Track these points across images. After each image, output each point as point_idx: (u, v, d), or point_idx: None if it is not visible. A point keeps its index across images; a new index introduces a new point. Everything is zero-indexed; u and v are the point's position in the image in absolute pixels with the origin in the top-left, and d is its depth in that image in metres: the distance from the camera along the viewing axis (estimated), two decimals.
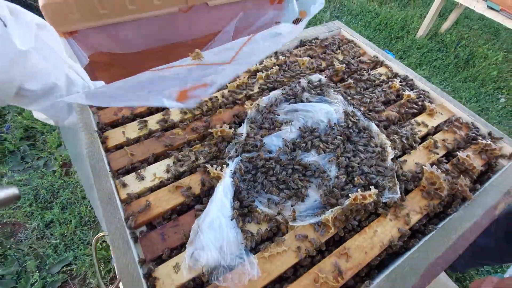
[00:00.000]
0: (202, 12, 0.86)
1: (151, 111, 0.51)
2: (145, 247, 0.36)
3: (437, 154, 0.48)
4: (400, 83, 0.58)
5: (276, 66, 0.59)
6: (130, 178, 0.41)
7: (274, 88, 0.55)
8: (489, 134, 0.52)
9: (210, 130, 0.46)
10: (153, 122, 0.49)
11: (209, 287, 0.33)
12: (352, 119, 0.48)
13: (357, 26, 2.72)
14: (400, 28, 2.76)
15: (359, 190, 0.39)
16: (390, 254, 0.38)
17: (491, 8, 2.13)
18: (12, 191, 0.35)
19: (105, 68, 0.86)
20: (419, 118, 0.53)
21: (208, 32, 0.92)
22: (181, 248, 0.36)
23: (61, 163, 1.56)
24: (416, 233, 0.40)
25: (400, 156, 0.47)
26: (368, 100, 0.54)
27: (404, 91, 0.56)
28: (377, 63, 0.64)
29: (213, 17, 0.88)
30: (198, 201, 0.41)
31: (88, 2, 0.70)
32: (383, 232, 0.39)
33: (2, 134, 1.66)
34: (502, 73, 2.44)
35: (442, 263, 0.35)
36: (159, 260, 0.35)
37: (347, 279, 0.35)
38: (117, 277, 0.32)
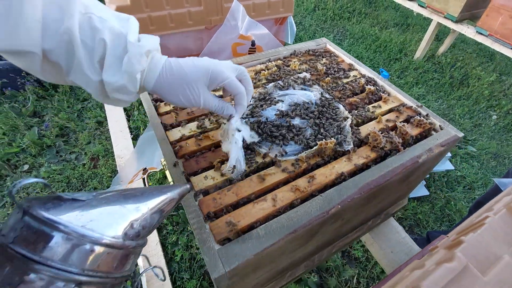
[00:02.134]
0: None
1: None
2: (186, 167, 0.57)
3: (384, 125, 0.69)
4: (365, 81, 0.80)
5: (275, 67, 0.82)
6: (175, 130, 0.64)
7: (273, 81, 0.78)
8: (427, 115, 0.72)
9: None
10: None
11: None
12: (326, 101, 0.70)
13: (358, 48, 2.97)
14: (399, 51, 3.00)
15: (324, 140, 0.60)
16: (341, 180, 0.58)
17: (480, 33, 2.35)
18: (185, 187, 0.42)
19: None
20: (376, 104, 0.75)
21: None
22: (206, 169, 0.58)
23: (90, 157, 1.81)
24: (361, 170, 0.61)
25: (357, 126, 0.69)
26: (340, 90, 0.76)
27: (367, 86, 0.78)
28: (351, 68, 0.87)
29: None
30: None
31: (142, 21, 0.97)
32: (339, 167, 0.59)
33: (41, 131, 1.92)
34: (494, 92, 2.62)
35: (374, 183, 0.56)
36: (194, 174, 0.57)
37: (312, 190, 0.55)
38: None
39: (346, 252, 1.43)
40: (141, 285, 0.28)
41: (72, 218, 0.24)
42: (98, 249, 0.25)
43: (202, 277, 1.27)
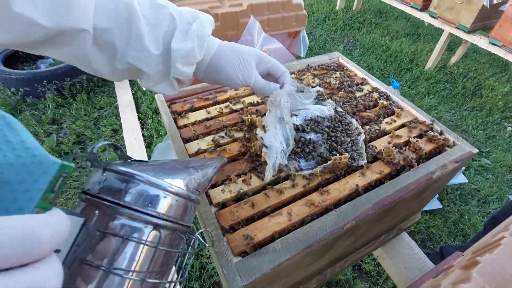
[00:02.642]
0: None
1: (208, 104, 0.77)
2: None
3: (398, 140, 0.69)
4: (378, 95, 0.82)
5: None
6: (193, 143, 0.66)
7: None
8: (440, 131, 0.73)
9: (243, 117, 0.71)
10: (206, 112, 0.75)
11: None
12: (339, 115, 0.72)
13: (368, 58, 2.98)
14: (410, 61, 2.99)
15: (337, 155, 0.61)
16: (356, 195, 0.59)
17: (493, 44, 2.33)
18: (223, 159, 0.44)
19: None
20: (389, 119, 0.76)
21: None
22: (222, 183, 0.60)
23: None
24: (375, 185, 0.61)
25: (370, 141, 0.70)
26: (353, 104, 0.77)
27: (380, 100, 0.79)
28: (363, 82, 0.88)
29: None
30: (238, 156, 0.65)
31: None
32: (353, 182, 0.60)
33: (60, 138, 1.98)
34: (509, 103, 2.58)
35: (388, 199, 0.56)
36: (212, 187, 0.59)
37: (326, 204, 0.56)
38: None
39: (357, 266, 1.42)
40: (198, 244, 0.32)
41: (143, 172, 0.29)
42: (168, 196, 0.29)
43: (212, 286, 1.28)
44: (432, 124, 0.75)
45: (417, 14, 2.77)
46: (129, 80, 2.25)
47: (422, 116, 0.77)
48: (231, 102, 0.78)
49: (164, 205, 0.28)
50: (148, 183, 0.28)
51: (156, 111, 2.09)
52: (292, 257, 0.47)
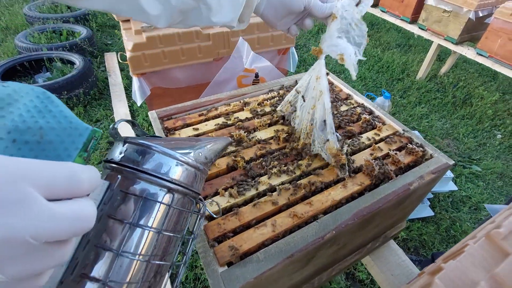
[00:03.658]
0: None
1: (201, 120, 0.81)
2: None
3: (378, 153, 0.73)
4: (361, 110, 0.86)
5: (277, 97, 0.89)
6: None
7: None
8: (420, 145, 0.77)
9: (232, 133, 0.75)
10: (195, 129, 0.78)
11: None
12: None
13: (361, 69, 3.05)
14: (401, 71, 3.07)
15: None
16: (337, 207, 0.63)
17: (480, 55, 2.40)
18: (228, 139, 0.47)
19: (160, 97, 1.21)
20: (371, 133, 0.80)
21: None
22: (212, 196, 0.63)
23: None
24: (356, 197, 0.65)
25: (352, 155, 0.74)
26: (338, 119, 0.82)
27: (363, 115, 0.84)
28: (348, 97, 0.93)
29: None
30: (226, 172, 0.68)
31: (156, 55, 1.06)
32: (335, 194, 0.64)
33: None
34: (498, 112, 2.64)
35: (367, 210, 0.60)
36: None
37: (309, 215, 0.59)
38: None
39: (350, 274, 1.44)
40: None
41: (158, 144, 0.33)
42: (179, 165, 0.33)
43: None
44: (404, 133, 0.79)
45: (407, 27, 2.86)
46: (125, 93, 2.30)
47: (402, 129, 0.81)
48: (225, 118, 0.82)
49: (176, 172, 0.33)
50: (163, 153, 0.33)
51: (152, 124, 2.13)
52: (274, 266, 0.50)
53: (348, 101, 0.92)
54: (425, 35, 2.72)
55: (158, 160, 0.32)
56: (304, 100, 0.70)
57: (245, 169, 0.68)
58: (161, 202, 0.31)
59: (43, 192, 0.18)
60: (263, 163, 0.69)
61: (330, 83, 0.99)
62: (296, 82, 0.98)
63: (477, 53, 2.40)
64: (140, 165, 0.31)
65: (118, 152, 0.32)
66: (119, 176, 0.31)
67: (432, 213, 1.72)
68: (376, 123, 0.82)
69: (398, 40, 3.64)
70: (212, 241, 0.54)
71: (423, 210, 1.71)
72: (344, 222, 0.58)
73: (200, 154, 0.38)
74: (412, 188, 0.66)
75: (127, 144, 0.33)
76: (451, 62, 2.98)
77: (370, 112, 0.87)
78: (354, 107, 0.89)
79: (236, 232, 0.57)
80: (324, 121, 0.67)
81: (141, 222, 0.30)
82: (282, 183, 0.65)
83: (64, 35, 2.83)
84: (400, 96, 2.73)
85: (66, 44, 2.58)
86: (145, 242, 0.30)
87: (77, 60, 2.34)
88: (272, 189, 0.65)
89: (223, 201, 0.61)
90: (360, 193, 0.66)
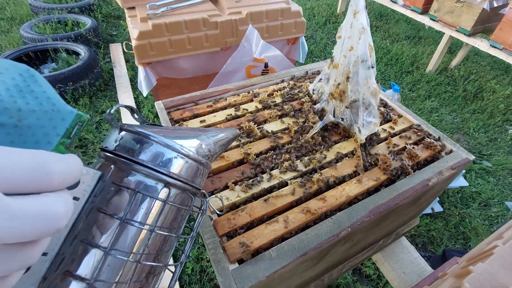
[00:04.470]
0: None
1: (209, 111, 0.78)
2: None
3: (395, 147, 0.70)
4: None
5: (287, 88, 0.86)
6: None
7: (288, 101, 0.81)
8: (438, 138, 0.73)
9: (241, 125, 0.72)
10: (203, 120, 0.76)
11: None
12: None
13: None
14: (410, 64, 2.99)
15: None
16: (352, 203, 0.60)
17: (494, 47, 2.33)
18: (236, 131, 0.45)
19: (166, 88, 1.18)
20: (386, 125, 0.76)
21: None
22: (222, 190, 0.61)
23: None
24: (371, 193, 0.62)
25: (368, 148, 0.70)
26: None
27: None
28: None
29: None
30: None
31: (162, 44, 1.02)
32: (349, 190, 0.61)
33: None
34: (510, 106, 2.57)
35: (384, 206, 0.57)
36: (210, 194, 0.60)
37: (322, 211, 0.57)
38: None
39: (357, 269, 1.42)
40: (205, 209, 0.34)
41: (157, 133, 0.30)
42: (179, 158, 0.31)
43: None
44: (429, 130, 0.75)
45: (417, 18, 2.77)
46: (131, 84, 2.28)
47: (419, 123, 0.77)
48: (234, 109, 0.79)
49: (175, 165, 0.30)
50: (161, 143, 0.30)
51: (158, 115, 2.11)
52: (287, 264, 0.48)
53: None
54: (437, 26, 2.63)
55: (156, 151, 0.29)
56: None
57: (256, 162, 0.65)
58: (157, 198, 0.28)
59: (2, 186, 0.15)
60: (274, 156, 0.66)
61: None
62: (307, 73, 0.94)
63: (490, 45, 2.32)
64: (136, 156, 0.29)
65: (113, 140, 0.30)
66: (113, 167, 0.28)
67: (441, 209, 1.69)
68: (392, 115, 0.78)
69: (407, 31, 3.54)
70: (222, 237, 0.52)
71: (432, 206, 1.67)
72: (360, 219, 0.55)
73: (203, 146, 0.35)
74: (431, 184, 0.63)
75: (123, 131, 0.30)
76: (463, 55, 2.89)
77: (385, 105, 0.84)
78: None
79: (247, 228, 0.54)
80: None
81: (134, 218, 0.27)
82: (294, 178, 0.63)
83: (69, 25, 2.79)
84: (410, 89, 2.66)
85: (71, 34, 2.55)
86: (137, 240, 0.27)
87: (82, 51, 2.31)
88: (283, 184, 0.62)
89: (233, 195, 0.59)
90: (375, 189, 0.63)
